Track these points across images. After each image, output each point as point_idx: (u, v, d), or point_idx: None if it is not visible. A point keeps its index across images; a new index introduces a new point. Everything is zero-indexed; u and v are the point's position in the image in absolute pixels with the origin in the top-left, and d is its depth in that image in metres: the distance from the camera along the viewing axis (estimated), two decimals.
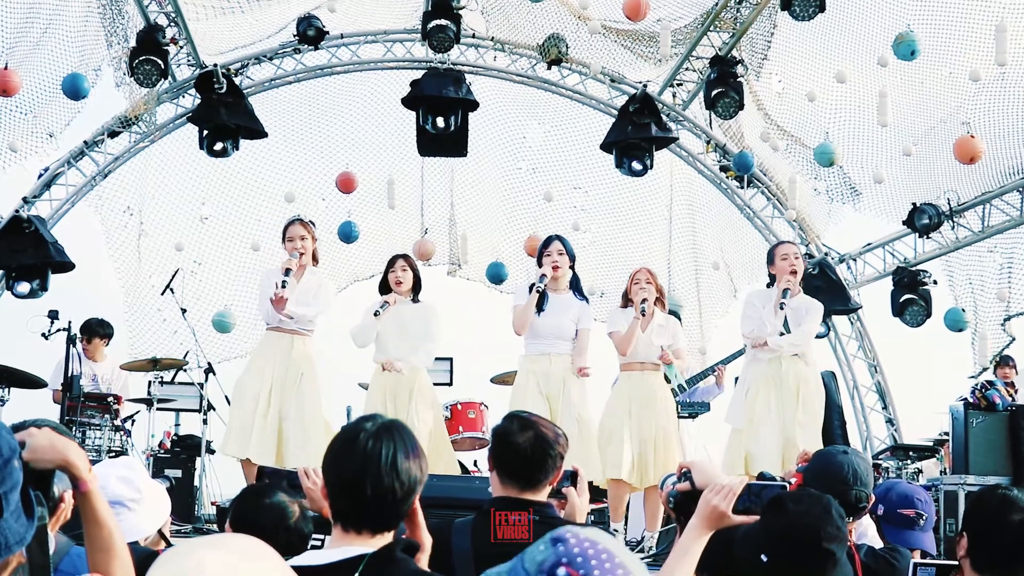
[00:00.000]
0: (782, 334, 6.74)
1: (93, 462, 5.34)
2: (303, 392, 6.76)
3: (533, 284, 6.75)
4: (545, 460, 3.29)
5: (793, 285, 6.70)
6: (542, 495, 3.33)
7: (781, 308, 6.64)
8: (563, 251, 6.81)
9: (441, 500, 5.56)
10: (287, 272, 6.73)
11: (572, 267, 6.91)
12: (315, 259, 7.11)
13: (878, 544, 3.81)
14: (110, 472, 3.50)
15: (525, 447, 3.28)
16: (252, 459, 6.71)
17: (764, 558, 2.76)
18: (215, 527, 6.35)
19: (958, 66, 9.21)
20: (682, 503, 3.09)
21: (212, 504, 6.52)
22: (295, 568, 2.44)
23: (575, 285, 6.97)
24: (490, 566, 3.20)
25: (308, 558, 2.52)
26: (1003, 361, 9.69)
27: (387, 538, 2.49)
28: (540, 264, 6.85)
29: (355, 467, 2.44)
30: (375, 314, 7.02)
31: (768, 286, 6.91)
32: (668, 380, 6.95)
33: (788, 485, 2.93)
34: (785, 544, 2.76)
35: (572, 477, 3.53)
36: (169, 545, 3.61)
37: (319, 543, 3.23)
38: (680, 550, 2.81)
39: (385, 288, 7.18)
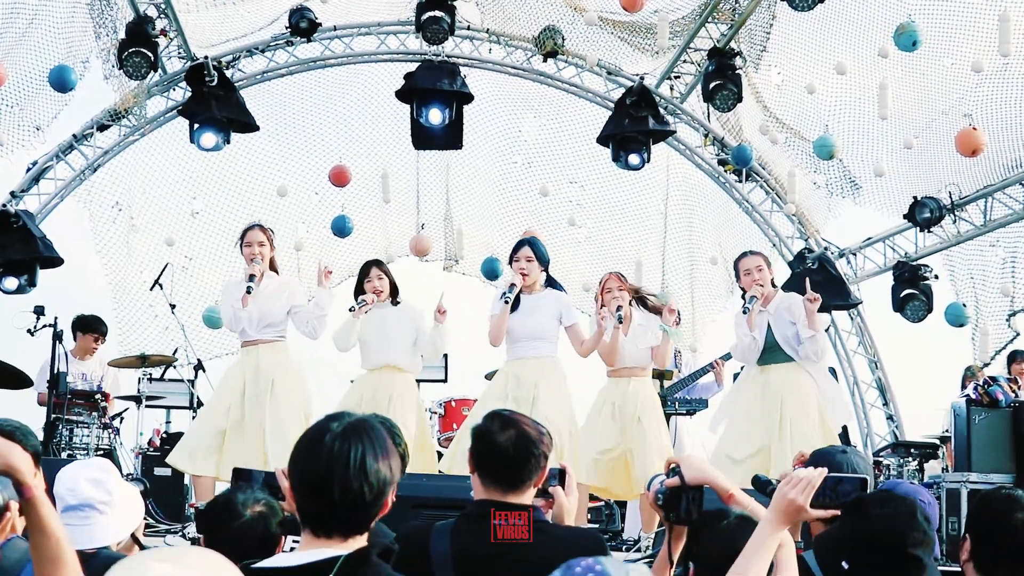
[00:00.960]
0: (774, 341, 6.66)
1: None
2: (276, 397, 6.62)
3: (504, 294, 6.62)
4: (528, 460, 3.13)
5: (760, 293, 6.60)
6: (527, 498, 3.18)
7: (745, 312, 6.58)
8: (532, 257, 6.67)
9: (432, 500, 5.45)
10: (251, 278, 6.62)
11: (545, 269, 6.77)
12: (273, 268, 6.95)
13: None
14: (80, 474, 3.37)
15: (507, 446, 3.12)
16: (199, 473, 6.63)
17: (845, 565, 2.62)
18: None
19: (960, 57, 9.09)
20: (670, 500, 2.96)
21: (190, 507, 6.37)
22: (262, 570, 2.31)
23: (550, 282, 6.83)
24: (482, 568, 3.10)
25: (277, 560, 2.41)
26: (1017, 356, 9.54)
27: (360, 541, 2.37)
28: (511, 266, 6.76)
29: (321, 469, 2.31)
30: (350, 309, 6.91)
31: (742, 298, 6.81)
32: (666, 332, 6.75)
33: (866, 478, 2.79)
34: (868, 550, 2.63)
35: (559, 476, 3.38)
36: (143, 548, 3.47)
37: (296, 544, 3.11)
38: (753, 547, 2.67)
39: (360, 294, 7.07)
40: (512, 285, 6.60)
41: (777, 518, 2.71)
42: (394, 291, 7.08)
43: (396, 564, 3.15)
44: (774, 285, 6.86)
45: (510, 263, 6.77)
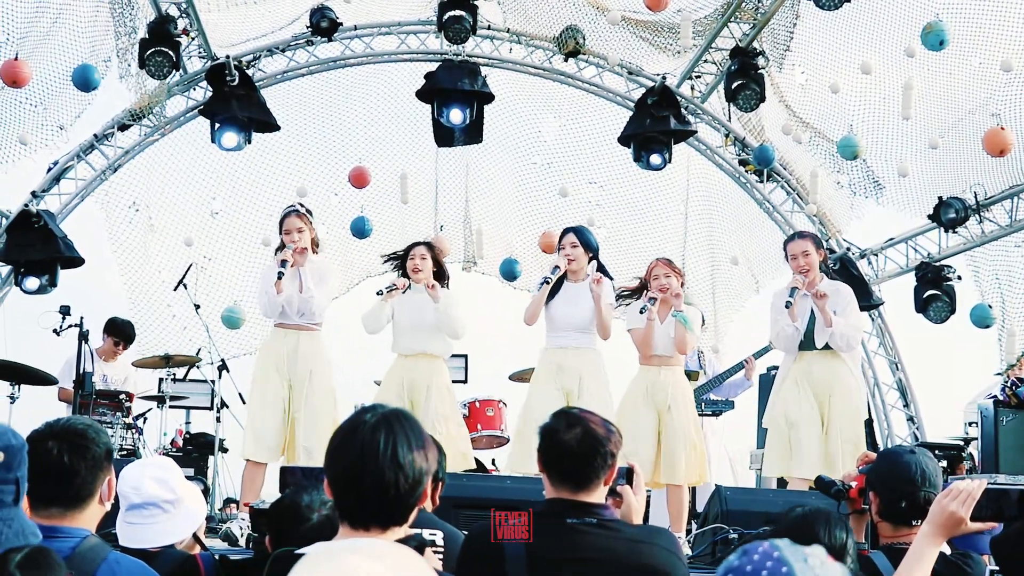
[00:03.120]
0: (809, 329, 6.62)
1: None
2: (313, 390, 6.59)
3: (546, 277, 6.61)
4: (595, 458, 3.11)
5: (803, 284, 6.55)
6: (597, 495, 3.15)
7: (787, 307, 6.51)
8: (576, 243, 6.66)
9: (474, 501, 5.41)
10: (283, 264, 6.59)
11: (595, 257, 6.74)
12: (315, 246, 6.92)
13: (946, 549, 3.63)
14: (144, 473, 3.37)
15: (572, 445, 3.10)
16: (267, 461, 6.59)
17: None
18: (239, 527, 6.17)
19: (988, 56, 9.03)
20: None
21: (245, 506, 6.31)
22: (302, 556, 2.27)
23: (601, 270, 6.77)
24: (556, 567, 3.05)
25: (318, 548, 2.37)
26: None
27: (398, 534, 2.35)
28: (558, 253, 6.75)
29: (354, 460, 2.31)
30: (378, 293, 6.86)
31: None
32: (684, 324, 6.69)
33: None
34: None
35: (628, 474, 3.35)
36: (205, 549, 3.45)
37: None
38: (913, 558, 2.69)
39: (403, 273, 7.02)
40: (556, 267, 6.56)
41: (936, 531, 2.72)
42: (439, 275, 6.99)
43: (466, 563, 3.14)
44: (823, 269, 6.77)
45: (557, 251, 6.75)
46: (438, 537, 2.86)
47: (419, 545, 2.33)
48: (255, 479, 6.60)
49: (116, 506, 3.26)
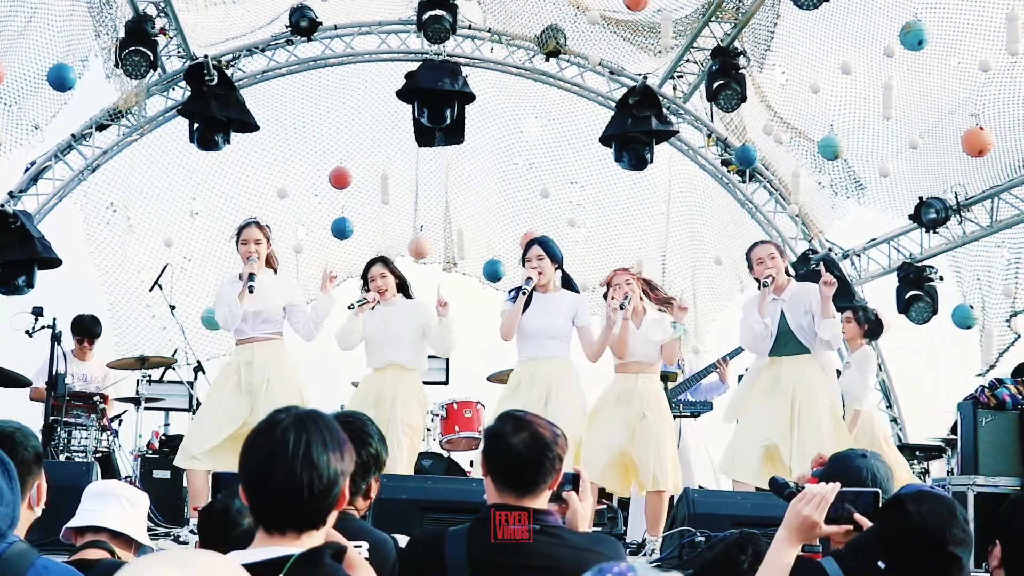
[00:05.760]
0: (787, 329, 6.59)
1: (80, 463, 5.25)
2: (272, 395, 6.52)
3: (519, 288, 6.58)
4: (542, 463, 3.04)
5: (770, 278, 6.55)
6: (541, 501, 3.10)
7: (766, 287, 6.52)
8: (543, 255, 6.61)
9: (438, 504, 5.39)
10: (251, 277, 6.53)
11: (560, 267, 6.72)
12: (271, 264, 6.88)
13: None
14: (116, 482, 3.65)
15: (520, 449, 3.04)
16: (208, 469, 6.54)
17: (882, 565, 2.56)
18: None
19: (967, 56, 9.02)
20: None
21: (194, 509, 6.27)
22: None
23: (567, 283, 6.78)
24: (489, 570, 3.02)
25: (231, 559, 2.33)
26: None
27: (316, 538, 2.29)
28: (524, 266, 6.71)
29: (265, 461, 2.25)
30: (349, 307, 6.83)
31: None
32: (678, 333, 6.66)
33: (878, 492, 2.74)
34: (907, 549, 2.57)
35: (574, 480, 3.30)
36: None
37: None
38: (769, 563, 2.64)
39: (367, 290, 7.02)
40: (528, 279, 6.53)
41: (790, 535, 2.67)
42: (401, 287, 6.99)
43: (407, 566, 3.09)
44: (788, 274, 6.80)
45: (523, 264, 6.71)
46: (363, 548, 2.80)
47: (336, 553, 2.28)
48: (192, 484, 6.70)
49: (47, 513, 3.21)
